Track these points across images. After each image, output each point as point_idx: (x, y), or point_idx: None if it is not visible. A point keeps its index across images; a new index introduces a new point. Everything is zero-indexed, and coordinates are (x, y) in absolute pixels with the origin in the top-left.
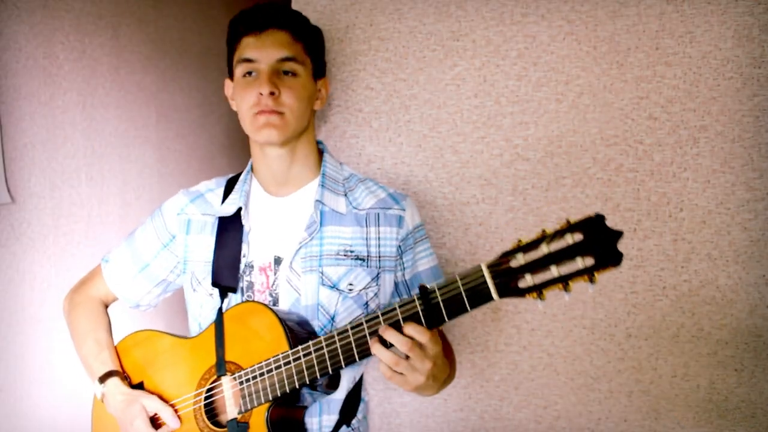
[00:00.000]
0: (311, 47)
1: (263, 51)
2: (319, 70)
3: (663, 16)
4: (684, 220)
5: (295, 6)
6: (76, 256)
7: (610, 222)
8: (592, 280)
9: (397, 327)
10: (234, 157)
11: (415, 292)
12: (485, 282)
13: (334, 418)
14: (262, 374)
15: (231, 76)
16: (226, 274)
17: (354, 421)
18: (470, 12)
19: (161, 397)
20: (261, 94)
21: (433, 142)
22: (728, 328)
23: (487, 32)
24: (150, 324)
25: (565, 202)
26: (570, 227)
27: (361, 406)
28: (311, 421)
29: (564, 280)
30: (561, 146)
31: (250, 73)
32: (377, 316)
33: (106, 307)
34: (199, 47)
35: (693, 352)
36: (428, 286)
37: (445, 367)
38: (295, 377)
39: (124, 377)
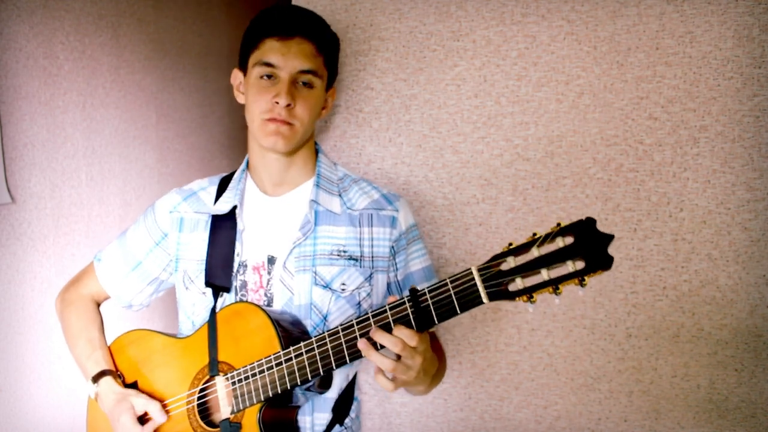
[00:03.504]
0: (330, 61)
1: (287, 59)
2: (332, 82)
3: (663, 16)
4: (684, 220)
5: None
6: (76, 256)
7: (610, 222)
8: (582, 284)
9: (387, 329)
10: (234, 157)
11: (406, 294)
12: (475, 285)
13: (326, 416)
14: (254, 375)
15: (241, 67)
16: (219, 273)
17: (347, 420)
18: (470, 12)
19: (154, 397)
20: (277, 102)
21: (433, 142)
22: (728, 328)
23: (488, 32)
24: (144, 323)
25: (565, 202)
26: (561, 230)
27: (354, 405)
28: (303, 419)
29: (554, 284)
30: (561, 146)
31: (269, 76)
32: (368, 318)
33: (99, 305)
34: (199, 47)
35: (693, 352)
36: (418, 289)
37: (433, 360)
38: (287, 378)
39: (118, 376)
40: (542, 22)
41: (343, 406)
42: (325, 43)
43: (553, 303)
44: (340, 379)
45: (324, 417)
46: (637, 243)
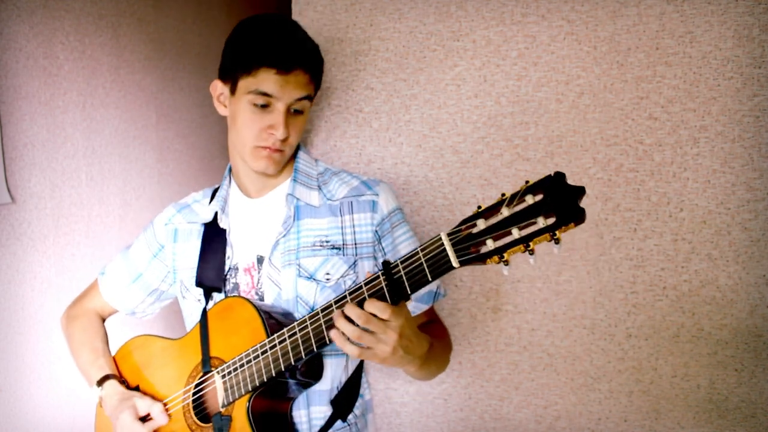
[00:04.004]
0: (318, 83)
1: (284, 90)
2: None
3: (663, 16)
4: (684, 220)
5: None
6: (76, 256)
7: (610, 222)
8: (555, 240)
9: (362, 305)
10: None
11: (380, 268)
12: (445, 251)
13: (324, 409)
14: (242, 366)
15: (225, 80)
16: (210, 275)
17: (350, 417)
18: (470, 12)
19: (155, 398)
20: (272, 133)
21: (433, 142)
22: (728, 328)
23: (488, 32)
24: (152, 330)
25: None
26: (530, 188)
27: (359, 402)
28: (299, 413)
29: (525, 241)
30: (561, 146)
31: (263, 105)
32: (344, 297)
33: (104, 320)
34: (199, 47)
35: (693, 352)
36: (391, 262)
37: (420, 341)
38: (272, 365)
39: (122, 381)
40: (542, 22)
41: (344, 401)
42: (318, 71)
43: (561, 300)
44: (337, 370)
45: (322, 410)
46: (637, 243)
